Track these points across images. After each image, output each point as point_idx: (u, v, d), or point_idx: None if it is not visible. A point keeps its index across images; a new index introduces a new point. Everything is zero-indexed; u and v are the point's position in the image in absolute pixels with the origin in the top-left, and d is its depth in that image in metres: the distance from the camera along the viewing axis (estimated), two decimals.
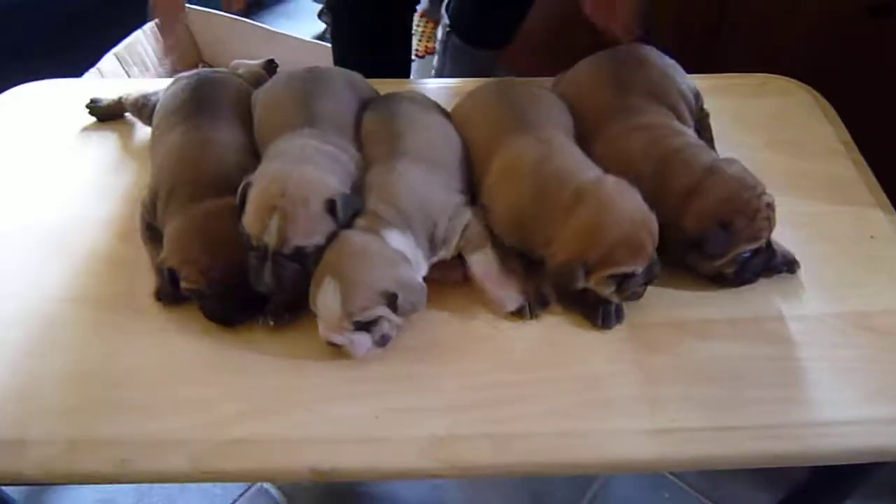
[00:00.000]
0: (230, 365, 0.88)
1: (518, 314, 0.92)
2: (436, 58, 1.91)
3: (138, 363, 0.88)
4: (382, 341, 0.86)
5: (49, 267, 0.98)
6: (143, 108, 1.11)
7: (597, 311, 0.90)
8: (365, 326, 0.84)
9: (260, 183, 0.87)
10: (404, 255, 0.88)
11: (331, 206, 0.86)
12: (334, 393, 0.85)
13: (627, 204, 0.88)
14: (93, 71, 1.86)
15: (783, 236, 1.00)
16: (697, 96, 1.09)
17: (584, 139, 1.00)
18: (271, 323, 0.90)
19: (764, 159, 1.12)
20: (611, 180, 0.90)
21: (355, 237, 0.87)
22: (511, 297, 0.92)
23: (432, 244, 0.91)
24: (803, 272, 0.97)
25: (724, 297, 0.95)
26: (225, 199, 0.91)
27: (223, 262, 0.88)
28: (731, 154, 1.08)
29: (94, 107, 1.19)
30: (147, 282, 0.95)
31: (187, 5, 1.86)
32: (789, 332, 0.91)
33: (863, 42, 1.55)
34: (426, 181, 0.94)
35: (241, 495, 1.37)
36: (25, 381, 0.85)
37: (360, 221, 0.88)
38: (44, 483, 0.81)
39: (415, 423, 0.83)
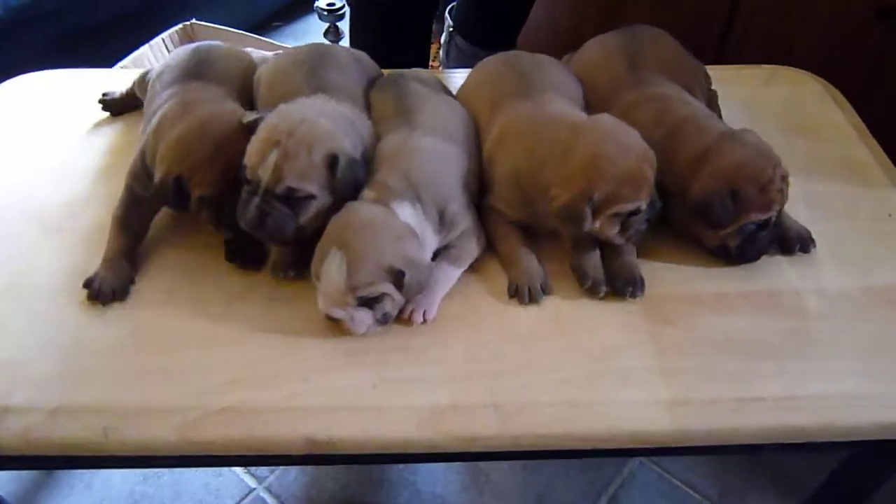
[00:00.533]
0: (223, 336, 0.84)
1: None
2: (439, 59, 1.92)
3: (128, 333, 0.84)
4: (384, 319, 0.82)
5: (43, 241, 0.95)
6: (144, 83, 1.09)
7: (620, 280, 0.87)
8: (368, 303, 0.80)
9: (271, 119, 0.85)
10: (413, 229, 0.84)
11: (331, 161, 0.83)
12: (331, 364, 0.81)
13: (626, 137, 0.85)
14: None
15: (800, 215, 0.97)
16: (706, 76, 1.07)
17: (596, 110, 0.98)
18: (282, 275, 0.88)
19: (778, 143, 1.08)
20: (607, 117, 0.88)
21: (363, 208, 0.83)
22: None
23: (441, 220, 0.88)
24: (821, 248, 0.94)
25: (739, 272, 0.91)
26: (228, 105, 0.89)
27: (238, 164, 0.84)
28: None
29: (106, 100, 1.16)
30: (144, 257, 0.93)
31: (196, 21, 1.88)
32: (808, 306, 0.87)
33: (871, 44, 1.54)
34: (440, 152, 0.91)
35: None
36: (11, 350, 0.82)
37: (368, 193, 0.85)
38: (24, 455, 0.76)
39: (415, 392, 0.79)
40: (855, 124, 1.14)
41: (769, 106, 1.18)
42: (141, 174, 0.92)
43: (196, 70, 0.99)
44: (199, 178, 0.84)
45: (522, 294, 0.87)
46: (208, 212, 0.86)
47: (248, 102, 1.01)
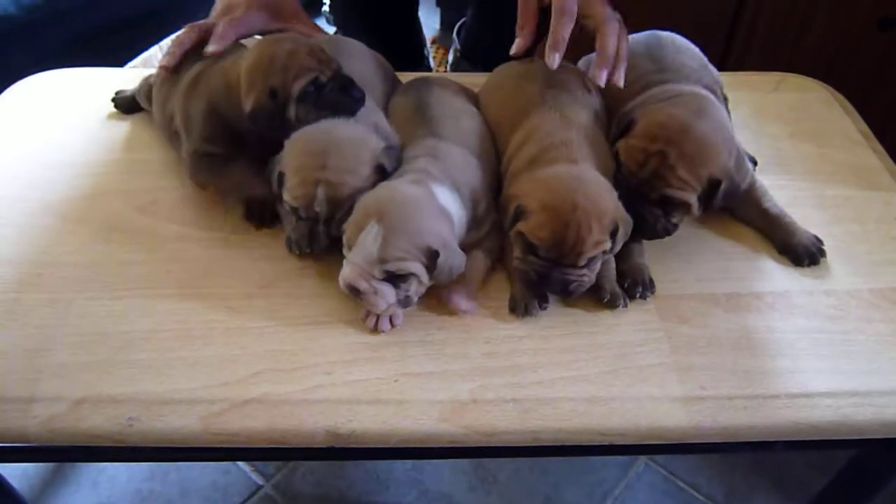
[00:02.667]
0: (246, 329, 0.85)
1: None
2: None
3: (151, 326, 0.85)
4: (406, 302, 0.82)
5: (65, 235, 0.96)
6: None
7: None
8: (393, 279, 0.80)
9: (297, 152, 0.87)
10: (450, 213, 0.84)
11: (380, 169, 0.87)
12: (352, 357, 0.82)
13: (586, 188, 0.83)
14: None
15: (810, 218, 0.99)
16: (720, 83, 1.08)
17: (614, 111, 0.99)
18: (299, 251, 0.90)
19: (788, 147, 1.13)
20: (590, 170, 0.87)
21: (403, 186, 0.83)
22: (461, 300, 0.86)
23: (474, 216, 0.89)
24: (831, 250, 0.95)
25: (752, 272, 0.93)
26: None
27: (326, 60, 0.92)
28: (754, 144, 1.09)
29: (118, 99, 1.18)
30: (166, 249, 0.94)
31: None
32: (821, 306, 0.89)
33: (872, 53, 1.57)
34: (468, 162, 0.92)
35: (243, 502, 1.32)
36: (38, 341, 0.82)
37: (408, 176, 0.86)
38: (49, 445, 0.77)
39: (436, 387, 0.80)
40: (862, 130, 1.16)
41: (777, 111, 1.20)
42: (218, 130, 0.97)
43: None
44: (291, 77, 0.90)
45: (519, 309, 0.87)
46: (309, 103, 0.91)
47: None
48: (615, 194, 0.86)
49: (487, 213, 0.91)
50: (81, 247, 0.94)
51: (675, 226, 0.91)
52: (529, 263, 0.85)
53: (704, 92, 0.96)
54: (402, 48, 1.64)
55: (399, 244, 0.78)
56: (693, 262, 0.94)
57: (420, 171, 0.86)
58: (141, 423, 0.76)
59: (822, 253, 0.94)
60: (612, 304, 0.88)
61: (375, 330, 0.84)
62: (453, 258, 0.82)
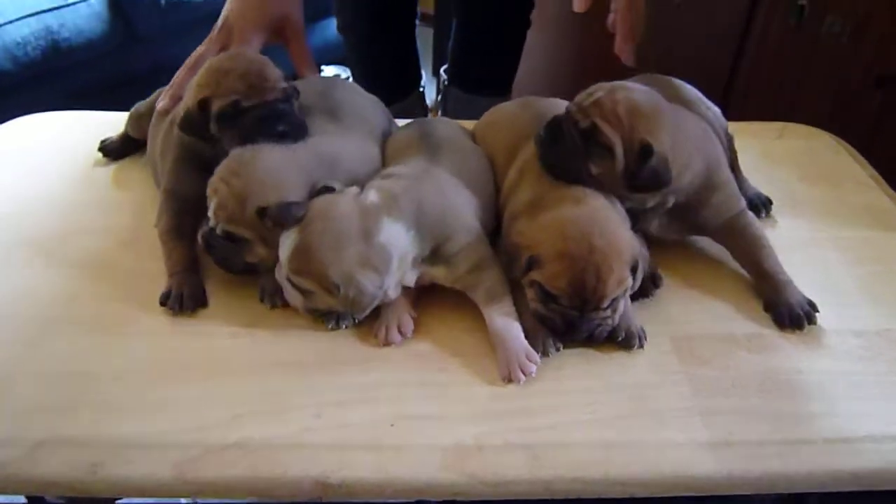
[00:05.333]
0: (227, 366, 0.78)
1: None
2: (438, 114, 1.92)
3: (124, 365, 0.77)
4: (326, 320, 0.82)
5: (38, 270, 0.90)
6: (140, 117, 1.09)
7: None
8: (302, 292, 0.80)
9: (221, 165, 0.85)
10: (388, 250, 0.79)
11: (260, 213, 0.81)
12: (344, 398, 0.75)
13: (601, 227, 0.78)
14: None
15: (831, 259, 0.95)
16: (722, 122, 1.06)
17: None
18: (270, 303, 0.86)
19: (799, 190, 1.09)
20: (599, 204, 0.82)
21: (345, 204, 0.80)
22: (527, 361, 0.78)
23: (435, 255, 0.83)
24: (855, 291, 0.90)
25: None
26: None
27: (261, 72, 0.90)
28: (765, 187, 1.05)
29: (105, 147, 1.13)
30: (146, 286, 0.87)
31: None
32: (850, 347, 0.83)
33: (870, 108, 1.57)
34: (457, 192, 0.88)
35: None
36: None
37: (373, 194, 0.82)
38: (4, 493, 0.69)
39: (437, 431, 0.72)
40: (872, 175, 1.13)
41: (785, 157, 1.17)
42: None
43: None
44: (221, 91, 0.88)
45: (537, 347, 0.79)
46: (228, 123, 0.89)
47: None
48: (628, 224, 0.82)
49: (470, 247, 0.84)
50: (55, 282, 0.88)
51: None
52: (552, 311, 0.79)
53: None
54: (401, 64, 1.66)
55: (301, 263, 0.78)
56: (708, 302, 0.88)
57: (387, 196, 0.82)
58: (105, 469, 0.68)
59: (810, 319, 0.84)
60: (627, 345, 0.81)
61: (387, 343, 0.80)
62: (359, 296, 0.78)
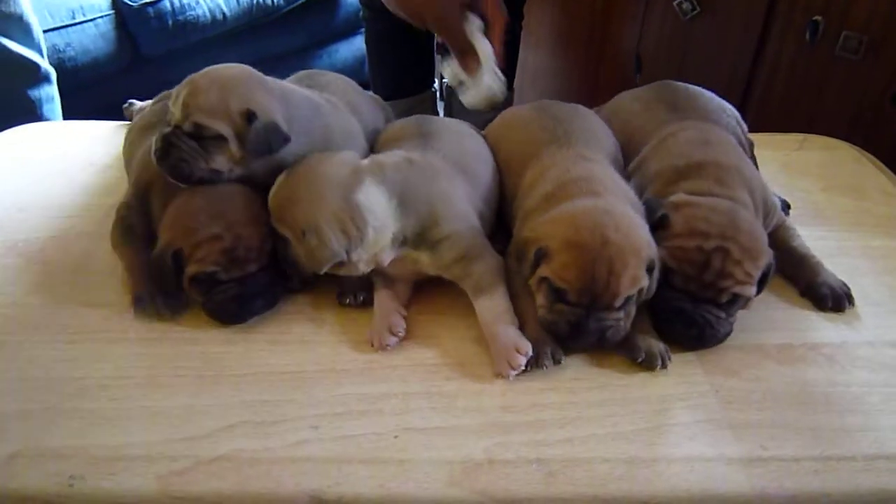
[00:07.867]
0: (221, 377, 0.73)
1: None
2: None
3: (111, 372, 0.73)
4: (286, 264, 0.79)
5: (25, 275, 0.85)
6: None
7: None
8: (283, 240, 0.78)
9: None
10: (365, 217, 0.76)
11: (249, 116, 0.77)
12: (344, 409, 0.70)
13: (616, 220, 0.74)
14: None
15: (859, 269, 0.90)
16: (743, 127, 1.02)
17: (633, 156, 0.93)
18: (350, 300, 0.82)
19: (823, 201, 1.05)
20: (619, 203, 0.78)
21: (330, 161, 0.79)
22: (516, 353, 0.73)
23: (420, 237, 0.79)
24: (889, 300, 0.85)
25: (800, 322, 0.83)
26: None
27: (247, 241, 0.77)
28: (788, 197, 1.01)
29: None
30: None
31: None
32: (886, 358, 0.77)
33: (888, 126, 1.53)
34: (448, 178, 0.84)
35: None
36: None
37: (366, 162, 0.81)
38: None
39: (444, 444, 0.67)
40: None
41: (806, 167, 1.13)
42: (138, 204, 0.85)
43: None
44: (201, 254, 0.76)
45: (545, 357, 0.74)
46: (200, 295, 0.78)
47: None
48: (647, 229, 0.77)
49: (454, 241, 0.79)
50: (42, 288, 0.83)
51: (733, 325, 0.79)
52: (558, 313, 0.74)
53: (717, 131, 0.91)
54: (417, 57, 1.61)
55: (280, 208, 0.78)
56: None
57: (377, 164, 0.81)
58: (84, 482, 0.62)
59: (849, 299, 0.84)
60: (649, 366, 0.75)
61: (382, 347, 0.76)
62: (319, 246, 0.74)
